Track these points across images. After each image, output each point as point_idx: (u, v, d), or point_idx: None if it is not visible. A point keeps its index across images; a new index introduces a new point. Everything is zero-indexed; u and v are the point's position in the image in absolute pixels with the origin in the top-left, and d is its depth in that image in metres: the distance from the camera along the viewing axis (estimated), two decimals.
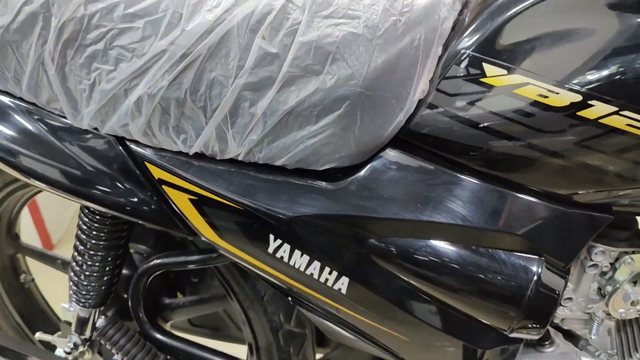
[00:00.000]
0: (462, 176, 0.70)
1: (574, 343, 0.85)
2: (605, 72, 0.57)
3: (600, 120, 0.58)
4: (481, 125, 0.65)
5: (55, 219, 2.45)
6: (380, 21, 0.68)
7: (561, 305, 0.78)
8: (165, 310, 1.27)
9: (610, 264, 0.75)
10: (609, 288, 0.75)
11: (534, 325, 0.70)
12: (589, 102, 0.58)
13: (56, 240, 2.49)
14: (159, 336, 1.00)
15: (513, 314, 0.69)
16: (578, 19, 0.58)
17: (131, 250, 1.27)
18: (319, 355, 1.23)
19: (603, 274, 0.77)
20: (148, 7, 0.69)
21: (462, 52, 0.64)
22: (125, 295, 1.15)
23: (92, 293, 1.01)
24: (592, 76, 0.58)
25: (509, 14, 0.61)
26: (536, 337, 0.72)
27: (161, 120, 0.73)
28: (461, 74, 0.65)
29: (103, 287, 1.01)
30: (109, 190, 0.82)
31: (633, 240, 0.73)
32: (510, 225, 0.68)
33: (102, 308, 1.07)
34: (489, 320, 0.72)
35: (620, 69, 0.57)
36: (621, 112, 0.57)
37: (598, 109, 0.58)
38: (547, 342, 0.89)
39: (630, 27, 0.56)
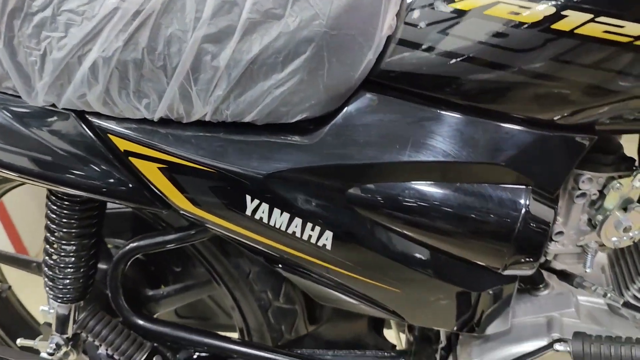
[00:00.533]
0: (439, 111, 0.67)
1: (569, 282, 0.83)
2: None
3: (576, 31, 0.56)
4: (455, 54, 0.62)
5: (27, 223, 2.37)
6: None
7: (553, 241, 0.76)
8: (149, 303, 1.23)
9: (599, 191, 0.73)
10: (599, 217, 0.73)
11: (527, 259, 0.67)
12: (563, 12, 0.56)
13: (30, 245, 2.41)
14: (143, 323, 0.96)
15: (505, 249, 0.67)
16: None
17: (109, 245, 1.22)
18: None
19: (592, 203, 0.75)
20: None
21: None
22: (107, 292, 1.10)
23: (69, 287, 0.96)
24: None
25: None
26: (530, 273, 0.70)
27: (120, 86, 0.69)
28: (428, 2, 0.62)
29: (80, 280, 0.97)
30: (74, 170, 0.77)
31: (619, 164, 0.71)
32: (493, 156, 0.65)
33: (82, 303, 1.02)
34: (481, 259, 0.69)
35: None
36: (597, 19, 0.55)
37: (572, 19, 0.56)
38: (541, 286, 0.88)
39: None
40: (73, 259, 0.94)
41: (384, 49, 0.66)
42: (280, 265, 0.80)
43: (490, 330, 0.79)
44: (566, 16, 0.56)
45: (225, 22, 0.65)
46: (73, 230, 0.91)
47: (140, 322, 0.96)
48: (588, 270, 0.78)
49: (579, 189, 0.72)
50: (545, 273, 0.88)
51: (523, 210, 0.65)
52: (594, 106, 0.61)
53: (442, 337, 0.95)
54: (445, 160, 0.66)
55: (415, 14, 0.63)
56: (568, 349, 0.72)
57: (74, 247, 0.93)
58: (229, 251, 1.05)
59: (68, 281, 0.96)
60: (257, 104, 0.68)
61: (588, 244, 0.77)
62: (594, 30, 0.55)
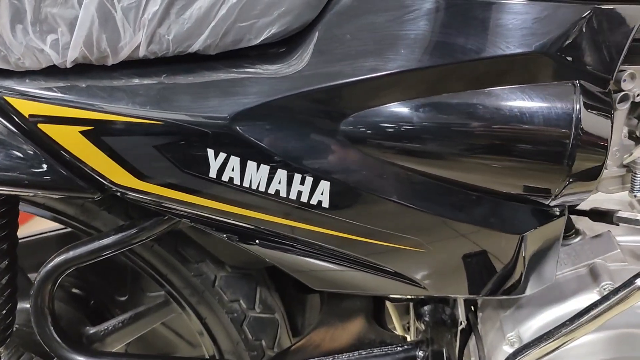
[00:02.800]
0: None
1: (606, 221, 0.69)
2: None
3: None
4: None
5: None
6: None
7: None
8: (93, 343, 0.99)
9: None
10: None
11: (586, 178, 0.52)
12: None
13: None
14: (79, 358, 0.73)
15: (557, 170, 0.51)
16: None
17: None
18: None
19: (634, 109, 0.61)
20: None
21: None
22: None
23: None
24: None
25: None
26: (585, 198, 0.55)
27: (14, 19, 0.50)
28: None
29: None
30: None
31: None
32: (527, 44, 0.50)
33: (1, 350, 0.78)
34: (526, 189, 0.54)
35: None
36: None
37: None
38: (572, 233, 0.73)
39: None
40: None
41: None
42: (257, 242, 0.61)
43: (533, 288, 0.63)
44: None
45: None
46: None
47: (77, 357, 0.73)
48: (638, 194, 0.64)
49: (622, 90, 0.58)
50: (573, 218, 0.74)
51: (576, 113, 0.50)
52: None
53: (462, 316, 0.78)
54: (471, 59, 0.50)
55: None
56: None
57: None
58: (187, 255, 0.84)
59: None
60: (207, 20, 0.51)
61: (635, 161, 0.63)
62: None
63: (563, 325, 0.59)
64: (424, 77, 0.51)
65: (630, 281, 0.54)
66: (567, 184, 0.52)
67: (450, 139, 0.52)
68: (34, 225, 1.08)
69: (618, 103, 0.59)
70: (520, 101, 0.50)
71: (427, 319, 0.82)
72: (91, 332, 1.00)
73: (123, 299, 1.08)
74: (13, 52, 0.53)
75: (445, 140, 0.52)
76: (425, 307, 0.81)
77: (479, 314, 0.79)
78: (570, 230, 0.74)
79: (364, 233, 0.57)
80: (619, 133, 0.62)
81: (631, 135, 0.63)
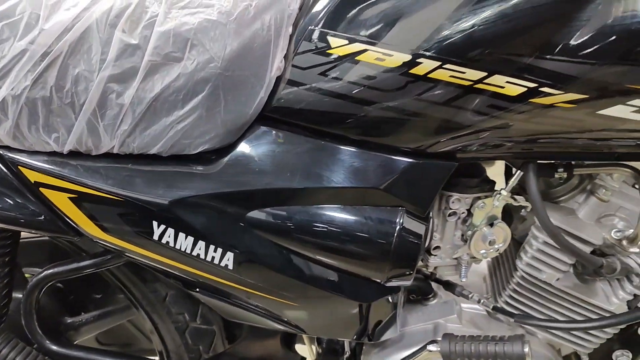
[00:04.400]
0: (324, 142, 0.76)
1: (452, 291, 0.93)
2: (427, 33, 0.65)
3: (429, 75, 0.67)
4: (333, 92, 0.71)
5: None
6: (233, 7, 0.73)
7: (432, 255, 0.86)
8: (69, 331, 1.24)
9: (467, 209, 0.84)
10: (469, 232, 0.84)
11: (404, 271, 0.77)
12: (417, 60, 0.66)
13: None
14: (57, 349, 0.98)
15: (384, 263, 0.76)
16: None
17: (27, 275, 1.23)
18: None
19: (464, 220, 0.85)
20: (4, 11, 0.70)
21: (309, 28, 0.71)
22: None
23: None
24: (417, 37, 0.66)
25: None
26: (408, 283, 0.79)
27: (30, 121, 0.74)
28: (311, 49, 0.71)
29: None
30: None
31: (483, 185, 0.82)
32: (371, 182, 0.74)
33: None
34: (365, 273, 0.78)
35: (440, 29, 0.65)
36: (444, 66, 0.66)
37: (425, 66, 0.66)
38: (430, 296, 0.98)
39: None
40: None
41: (275, 87, 0.75)
42: (197, 289, 0.86)
43: (383, 337, 0.88)
44: (420, 63, 0.66)
45: (128, 63, 0.71)
46: None
47: (55, 348, 0.98)
48: (463, 279, 0.88)
49: (450, 209, 0.83)
50: (434, 284, 0.98)
51: (398, 229, 0.74)
52: (451, 138, 0.72)
53: (347, 348, 1.02)
54: (329, 186, 0.74)
55: (301, 58, 0.72)
56: (438, 348, 0.81)
57: None
58: (146, 277, 1.09)
59: None
60: (161, 137, 0.75)
61: (462, 256, 0.88)
62: (443, 74, 0.66)
63: None
64: (300, 193, 0.75)
65: (424, 346, 0.79)
66: (392, 275, 0.77)
67: (315, 236, 0.76)
68: None
69: (448, 216, 0.84)
70: (362, 218, 0.75)
71: (323, 345, 1.07)
72: (68, 321, 1.25)
73: (97, 296, 1.32)
74: (27, 141, 0.77)
75: (313, 236, 0.76)
76: None
77: (364, 346, 1.04)
78: (430, 293, 0.98)
79: (255, 287, 0.81)
80: (451, 236, 0.86)
81: (463, 237, 0.87)
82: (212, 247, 0.78)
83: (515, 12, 0.62)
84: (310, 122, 0.75)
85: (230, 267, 0.79)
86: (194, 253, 0.79)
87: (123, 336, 1.40)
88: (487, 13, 0.63)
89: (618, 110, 0.63)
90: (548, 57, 0.62)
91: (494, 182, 0.84)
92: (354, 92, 0.70)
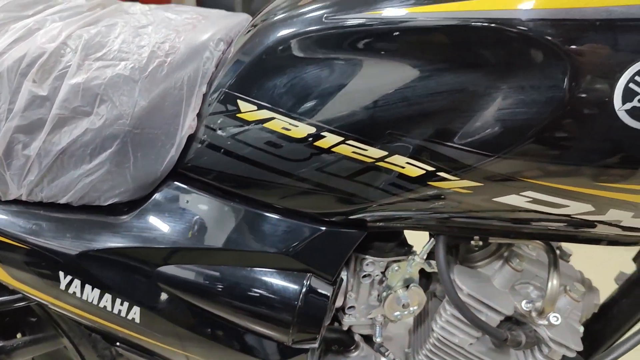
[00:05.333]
0: (234, 204, 0.75)
1: (372, 346, 0.93)
2: (332, 108, 0.65)
3: (332, 149, 0.66)
4: (242, 156, 0.71)
5: None
6: (147, 63, 0.72)
7: (346, 314, 0.86)
8: (1, 354, 1.22)
9: (382, 272, 0.84)
10: (384, 294, 0.84)
11: (309, 334, 0.76)
12: (322, 133, 0.66)
13: None
14: None
15: (288, 326, 0.75)
16: (309, 62, 0.65)
17: None
18: None
19: (380, 282, 0.85)
20: None
21: (220, 90, 0.70)
22: None
23: None
24: (323, 111, 0.65)
25: (254, 54, 0.68)
26: (315, 345, 0.79)
27: None
28: (222, 110, 0.70)
29: None
30: None
31: (398, 250, 0.82)
32: (278, 247, 0.74)
33: None
34: (270, 334, 0.78)
35: (344, 105, 0.64)
36: (347, 142, 0.65)
37: (329, 140, 0.66)
38: (352, 348, 0.97)
39: (350, 69, 0.64)
40: None
41: (188, 145, 0.74)
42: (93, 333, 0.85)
43: None
44: (324, 136, 0.66)
45: (36, 115, 0.70)
46: None
47: None
48: (378, 339, 0.88)
49: (364, 271, 0.82)
50: (357, 336, 0.98)
51: (303, 292, 0.74)
52: (357, 209, 0.71)
53: None
54: (236, 249, 0.74)
55: (213, 119, 0.71)
56: None
57: None
58: None
59: None
60: (69, 189, 0.74)
61: (376, 317, 0.87)
62: (346, 150, 0.66)
63: None
64: (208, 254, 0.75)
65: None
66: (297, 336, 0.76)
67: (222, 297, 0.75)
68: None
69: (362, 278, 0.83)
70: (268, 281, 0.74)
71: None
72: (1, 344, 1.24)
73: (33, 320, 1.31)
74: None
75: (220, 296, 0.76)
76: None
77: None
78: (351, 346, 0.98)
79: (163, 341, 0.81)
80: (365, 296, 0.86)
81: (379, 297, 0.86)
82: (118, 300, 0.77)
83: (414, 96, 0.61)
84: (221, 183, 0.74)
85: (137, 320, 0.78)
86: (101, 305, 0.78)
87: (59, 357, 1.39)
88: (389, 95, 0.62)
89: (513, 199, 0.63)
90: (444, 143, 0.62)
91: (409, 246, 0.84)
92: (261, 158, 0.70)
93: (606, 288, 0.96)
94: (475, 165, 0.61)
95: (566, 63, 0.55)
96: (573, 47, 0.54)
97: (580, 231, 0.69)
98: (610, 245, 0.74)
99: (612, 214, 0.62)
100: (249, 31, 0.72)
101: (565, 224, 0.67)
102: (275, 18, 0.69)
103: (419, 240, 0.84)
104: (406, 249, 0.83)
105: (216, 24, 0.79)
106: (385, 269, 0.83)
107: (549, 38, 0.54)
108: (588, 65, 0.54)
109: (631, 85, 0.53)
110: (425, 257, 0.82)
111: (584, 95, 0.55)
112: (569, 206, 0.62)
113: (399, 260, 0.83)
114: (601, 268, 0.92)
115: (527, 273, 0.84)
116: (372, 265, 0.82)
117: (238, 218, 0.75)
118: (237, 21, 0.82)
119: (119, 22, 0.78)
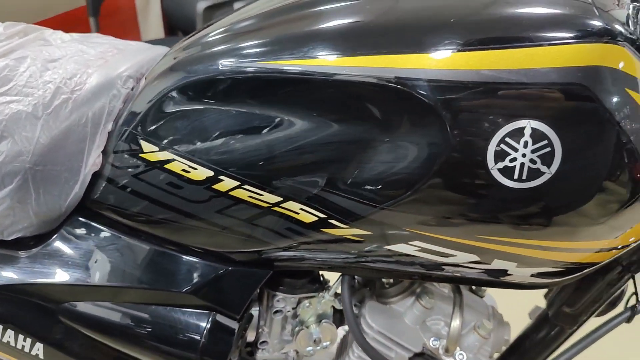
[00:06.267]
0: (139, 241, 0.75)
1: None
2: (228, 152, 0.65)
3: (230, 193, 0.66)
4: (145, 195, 0.70)
5: None
6: (52, 99, 0.71)
7: (259, 349, 0.86)
8: None
9: (293, 308, 0.84)
10: (296, 329, 0.84)
11: None
12: (219, 177, 0.66)
13: None
14: None
15: None
16: (206, 106, 0.66)
17: None
18: None
19: (294, 316, 0.86)
20: None
21: (124, 129, 0.70)
22: None
23: None
24: (220, 155, 0.66)
25: (155, 95, 0.68)
26: None
27: None
28: (126, 149, 0.70)
29: None
30: None
31: (309, 286, 0.83)
32: (182, 285, 0.74)
33: None
34: None
35: (240, 150, 0.65)
36: (243, 186, 0.66)
37: (227, 183, 0.66)
38: None
39: (244, 116, 0.64)
40: None
41: (93, 182, 0.74)
42: None
43: None
44: (222, 180, 0.66)
45: None
46: None
47: None
48: None
49: (275, 307, 0.83)
50: None
51: (206, 331, 0.74)
52: (260, 250, 0.72)
53: None
54: (139, 287, 0.74)
55: (117, 157, 0.71)
56: None
57: None
58: None
59: None
60: None
61: (289, 352, 0.88)
62: (243, 194, 0.66)
63: None
64: (112, 291, 0.74)
65: None
66: None
67: (123, 334, 0.75)
68: None
69: (273, 314, 0.84)
70: (168, 318, 0.74)
71: None
72: None
73: None
74: None
75: (119, 333, 0.75)
76: None
77: None
78: None
79: None
80: (278, 332, 0.86)
81: (292, 332, 0.87)
82: (21, 336, 0.76)
83: (305, 146, 0.62)
84: (126, 220, 0.74)
85: (42, 356, 0.78)
86: (4, 340, 0.77)
87: None
88: (281, 143, 0.63)
89: (403, 248, 0.64)
90: (334, 192, 0.62)
91: (322, 282, 0.85)
92: (163, 198, 0.70)
93: (523, 321, 0.98)
94: (363, 215, 0.62)
95: (444, 122, 0.56)
96: (448, 107, 0.55)
97: (485, 278, 0.71)
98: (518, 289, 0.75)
99: (497, 264, 0.64)
100: (155, 69, 0.72)
101: (466, 270, 0.69)
102: (178, 60, 0.69)
103: None
104: (317, 286, 0.84)
105: (129, 59, 0.79)
106: (297, 305, 0.84)
107: (427, 97, 0.56)
108: (463, 125, 0.56)
109: (502, 146, 0.55)
110: (334, 294, 0.83)
111: (460, 154, 0.56)
112: (455, 255, 0.64)
113: (310, 297, 0.83)
114: (519, 301, 0.94)
115: (439, 309, 0.86)
116: (283, 301, 0.83)
117: (143, 255, 0.75)
118: (152, 56, 0.82)
119: (29, 55, 0.77)
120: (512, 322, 0.93)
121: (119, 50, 0.83)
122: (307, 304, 0.83)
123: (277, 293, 0.82)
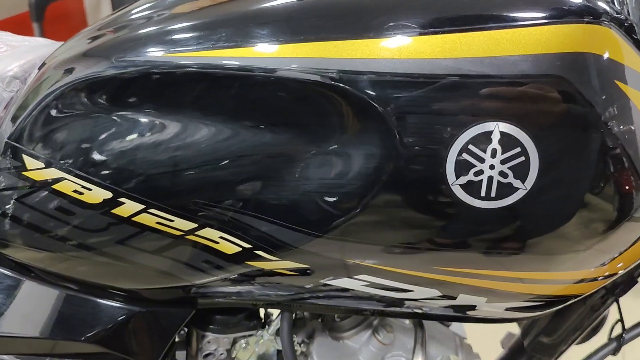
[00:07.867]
0: (31, 280, 0.61)
1: None
2: (127, 169, 0.52)
3: (133, 219, 0.53)
4: (31, 224, 0.57)
5: None
6: None
7: None
8: None
9: (227, 350, 0.71)
10: None
11: None
12: (120, 199, 0.53)
13: None
14: None
15: None
16: (97, 112, 0.53)
17: None
18: None
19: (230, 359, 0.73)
20: None
21: (4, 140, 0.56)
22: None
23: None
24: (118, 172, 0.53)
25: (36, 100, 0.54)
26: None
27: None
28: (6, 167, 0.56)
29: None
30: None
31: (246, 323, 0.70)
32: (84, 333, 0.60)
33: None
34: None
35: (141, 166, 0.52)
36: (149, 210, 0.53)
37: (129, 207, 0.53)
38: None
39: (143, 122, 0.52)
40: None
41: None
42: None
43: None
44: (123, 203, 0.53)
45: None
46: None
47: None
48: None
49: (206, 350, 0.70)
50: None
51: None
52: (175, 287, 0.59)
53: None
54: (36, 337, 0.60)
55: None
56: None
57: None
58: None
59: None
60: None
61: None
62: (149, 220, 0.53)
63: None
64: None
65: None
66: None
67: None
68: None
69: (204, 357, 0.71)
70: None
71: None
72: None
73: None
74: None
75: None
76: None
77: None
78: None
79: None
80: None
81: None
82: None
83: (218, 159, 0.49)
84: (12, 255, 0.60)
85: None
86: None
87: None
88: (188, 156, 0.50)
89: (348, 283, 0.52)
90: (259, 216, 0.50)
91: (260, 318, 0.72)
92: (53, 227, 0.56)
93: (495, 351, 0.87)
94: (294, 245, 0.50)
95: (390, 127, 0.44)
96: (395, 107, 0.43)
97: (451, 314, 0.59)
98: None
99: (464, 299, 0.52)
100: (40, 68, 0.59)
101: (429, 305, 0.57)
102: (63, 56, 0.56)
103: None
104: (255, 322, 0.71)
105: (20, 58, 0.66)
106: (232, 346, 0.71)
107: (367, 94, 0.44)
108: (414, 130, 0.44)
109: (465, 155, 0.43)
110: (276, 332, 0.70)
111: (412, 167, 0.44)
112: (412, 291, 0.52)
113: (247, 335, 0.71)
114: (490, 327, 0.83)
115: (399, 344, 0.74)
116: (214, 342, 0.70)
117: (36, 298, 0.61)
118: (50, 53, 0.68)
119: None
120: (482, 352, 0.82)
121: (10, 47, 0.69)
122: (244, 345, 0.70)
123: (207, 333, 0.69)
